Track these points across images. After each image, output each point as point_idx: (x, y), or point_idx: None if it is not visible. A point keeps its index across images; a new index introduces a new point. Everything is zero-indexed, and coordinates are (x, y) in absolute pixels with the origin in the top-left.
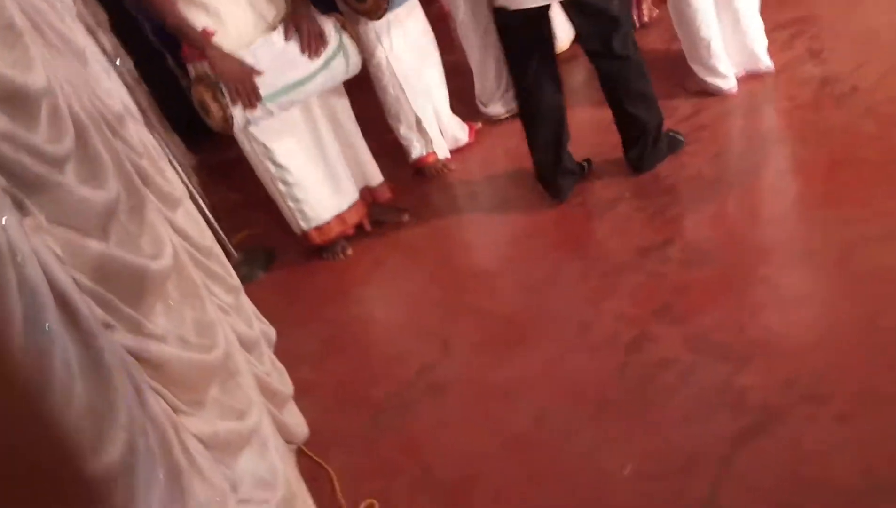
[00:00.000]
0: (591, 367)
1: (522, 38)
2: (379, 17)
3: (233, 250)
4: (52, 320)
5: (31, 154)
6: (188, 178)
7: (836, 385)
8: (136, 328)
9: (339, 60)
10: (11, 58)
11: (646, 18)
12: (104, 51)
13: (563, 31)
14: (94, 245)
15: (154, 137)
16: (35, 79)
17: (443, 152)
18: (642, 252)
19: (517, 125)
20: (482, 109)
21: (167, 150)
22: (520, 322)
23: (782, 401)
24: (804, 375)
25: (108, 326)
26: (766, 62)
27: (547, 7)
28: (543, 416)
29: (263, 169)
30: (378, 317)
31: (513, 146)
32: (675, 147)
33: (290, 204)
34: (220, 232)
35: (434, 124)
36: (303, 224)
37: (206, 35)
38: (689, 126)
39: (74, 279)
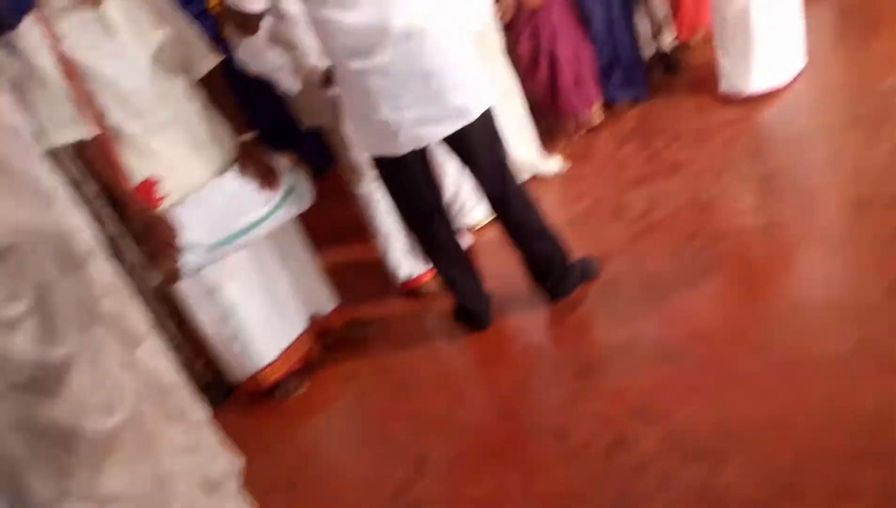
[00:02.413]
0: (571, 477)
1: (405, 183)
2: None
3: (199, 374)
4: None
5: None
6: (157, 304)
7: (815, 478)
8: (89, 493)
9: (290, 201)
10: None
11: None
12: (71, 180)
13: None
14: (45, 406)
15: (124, 264)
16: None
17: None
18: (614, 349)
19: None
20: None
21: (135, 278)
22: (495, 432)
23: (762, 496)
24: (782, 469)
25: (61, 493)
26: None
27: (423, 151)
28: None
29: (205, 311)
30: (349, 435)
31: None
32: (588, 274)
33: (234, 348)
34: (188, 357)
35: None
36: (247, 368)
37: (147, 185)
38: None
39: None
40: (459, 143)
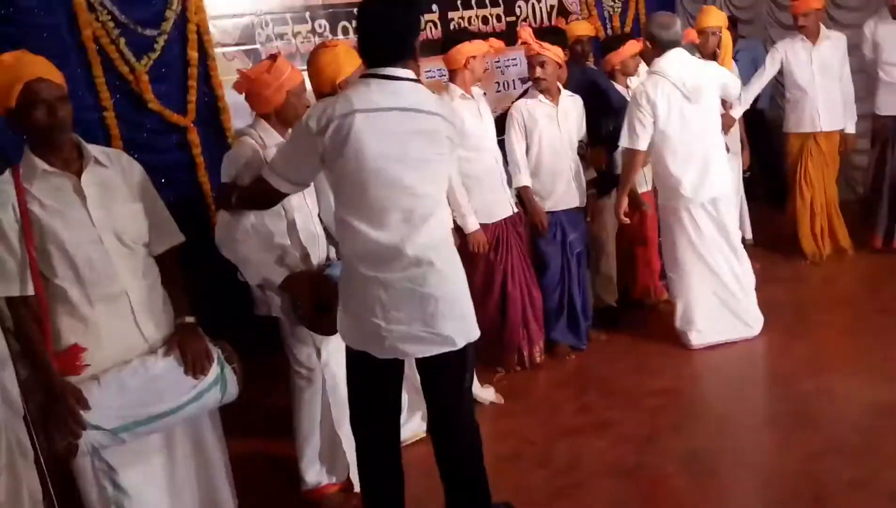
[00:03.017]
0: None
1: (374, 384)
2: (333, 333)
3: None
4: None
5: None
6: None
7: None
8: None
9: (214, 392)
10: None
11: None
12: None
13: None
14: None
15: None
16: None
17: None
18: None
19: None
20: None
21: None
22: None
23: None
24: None
25: None
26: None
27: (401, 363)
28: None
29: (95, 488)
30: None
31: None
32: None
33: None
34: None
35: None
36: None
37: (72, 352)
38: None
39: None
40: (433, 365)
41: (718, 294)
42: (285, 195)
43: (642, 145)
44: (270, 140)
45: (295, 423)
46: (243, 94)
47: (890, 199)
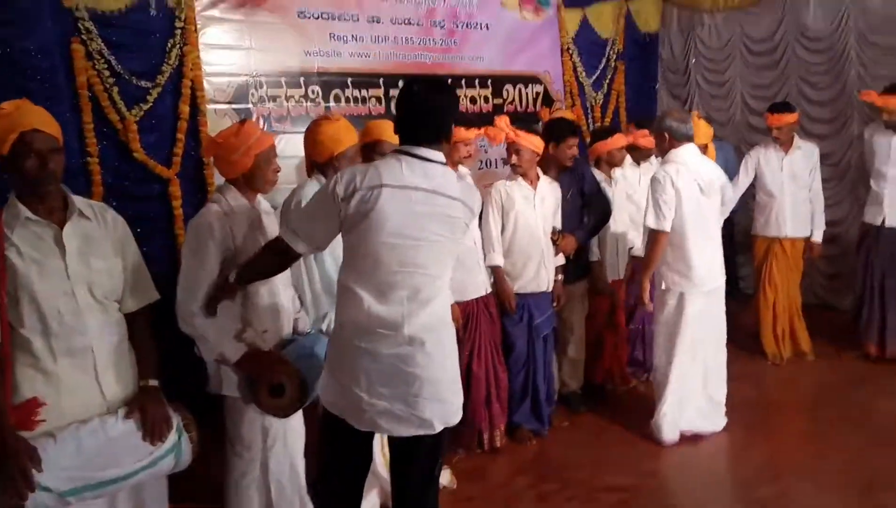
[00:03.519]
0: None
1: (346, 451)
2: (286, 416)
3: None
4: None
5: None
6: None
7: None
8: None
9: (168, 459)
10: None
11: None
12: None
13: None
14: None
15: None
16: None
17: None
18: None
19: None
20: None
21: None
22: None
23: None
24: None
25: None
26: None
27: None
28: None
29: None
30: None
31: None
32: None
33: None
34: None
35: None
36: None
37: (30, 405)
38: None
39: None
40: (408, 445)
41: (699, 386)
42: (298, 257)
43: (668, 226)
44: (238, 204)
45: (229, 503)
46: (211, 159)
47: (880, 306)
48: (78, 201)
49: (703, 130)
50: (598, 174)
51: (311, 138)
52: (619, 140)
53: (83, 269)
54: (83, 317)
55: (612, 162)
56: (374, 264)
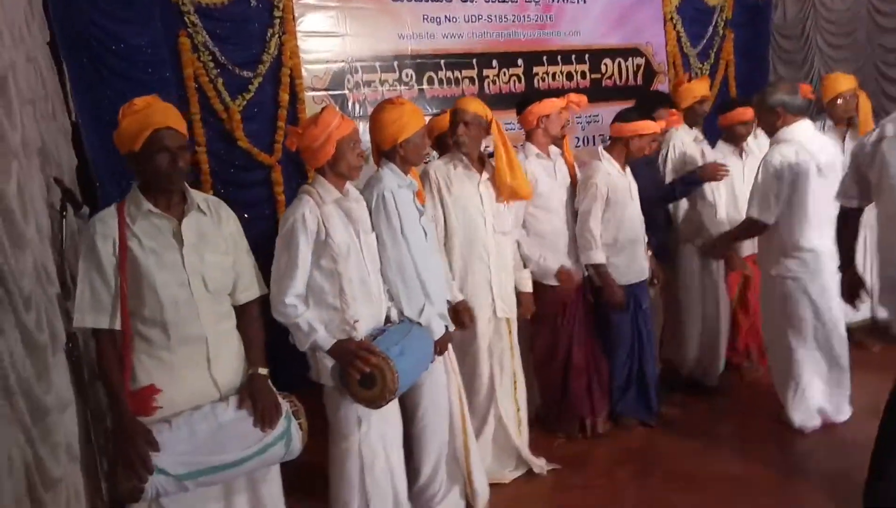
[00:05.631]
0: None
1: None
2: (378, 407)
3: None
4: None
5: None
6: None
7: None
8: None
9: (279, 447)
10: None
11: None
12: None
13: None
14: None
15: None
16: None
17: None
18: None
19: None
20: None
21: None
22: None
23: None
24: None
25: None
26: None
27: None
28: None
29: None
30: None
31: None
32: None
33: None
34: None
35: None
36: None
37: (146, 392)
38: None
39: None
40: None
41: (824, 372)
42: None
43: (771, 220)
44: (328, 196)
45: (332, 492)
46: (295, 150)
47: None
48: (196, 195)
49: (843, 79)
50: (726, 147)
51: (375, 124)
52: (741, 114)
53: (198, 262)
54: (197, 307)
55: (732, 138)
56: None
